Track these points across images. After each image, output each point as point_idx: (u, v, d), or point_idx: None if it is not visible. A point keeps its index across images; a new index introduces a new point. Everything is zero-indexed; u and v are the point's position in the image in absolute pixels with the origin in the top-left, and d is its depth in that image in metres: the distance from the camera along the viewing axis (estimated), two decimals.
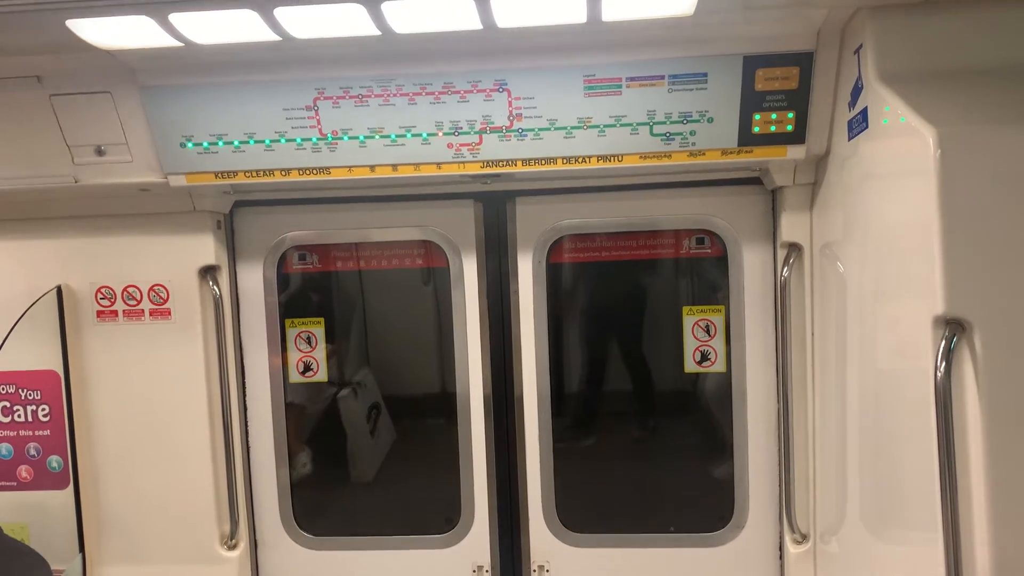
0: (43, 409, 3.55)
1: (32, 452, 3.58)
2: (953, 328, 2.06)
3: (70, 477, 3.56)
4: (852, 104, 2.67)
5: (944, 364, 2.05)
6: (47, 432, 3.57)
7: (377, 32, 2.56)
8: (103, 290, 3.53)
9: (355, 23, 2.49)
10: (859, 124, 2.61)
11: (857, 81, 2.61)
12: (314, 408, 3.94)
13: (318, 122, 2.99)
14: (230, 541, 3.62)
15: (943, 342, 2.06)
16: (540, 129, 2.97)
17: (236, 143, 3.05)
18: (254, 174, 3.11)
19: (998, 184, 2.07)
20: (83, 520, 3.58)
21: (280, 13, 2.41)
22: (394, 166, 3.07)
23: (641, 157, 2.99)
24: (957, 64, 2.42)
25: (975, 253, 2.06)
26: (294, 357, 3.75)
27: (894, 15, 2.46)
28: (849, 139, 2.73)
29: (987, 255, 2.06)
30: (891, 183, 2.42)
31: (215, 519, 3.59)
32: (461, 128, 2.98)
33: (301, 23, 2.50)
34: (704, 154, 2.96)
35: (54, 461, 3.57)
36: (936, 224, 2.06)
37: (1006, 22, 2.40)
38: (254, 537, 3.79)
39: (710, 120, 2.90)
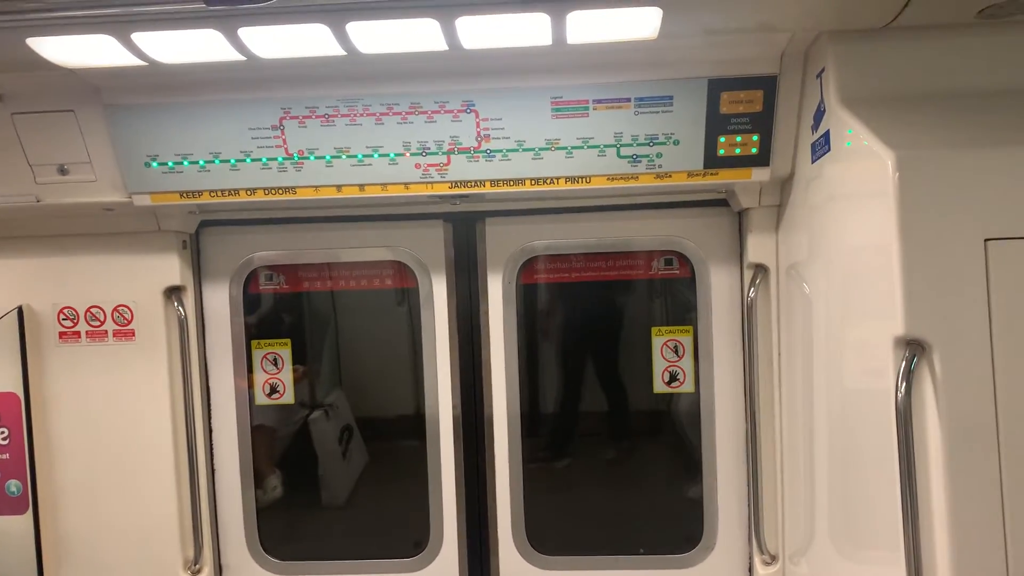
0: (2, 432, 3.47)
1: None
2: (913, 349, 2.08)
3: (29, 502, 3.48)
4: (815, 127, 2.71)
5: (904, 384, 2.07)
6: (6, 456, 3.49)
7: (343, 53, 2.55)
8: (65, 311, 3.48)
9: (321, 44, 2.48)
10: (822, 147, 2.64)
11: (820, 104, 2.64)
12: (282, 430, 3.89)
13: (284, 142, 2.98)
14: (194, 566, 3.55)
15: (903, 363, 2.08)
16: (508, 150, 2.97)
17: (201, 163, 3.03)
18: (219, 194, 3.09)
19: (956, 207, 2.11)
20: (42, 546, 3.50)
21: (244, 33, 2.39)
22: (361, 186, 3.06)
23: (609, 179, 3.00)
24: (917, 88, 2.46)
25: (934, 274, 2.08)
26: (260, 379, 3.71)
27: (856, 40, 2.50)
28: (813, 161, 2.76)
29: (946, 277, 2.09)
30: (853, 205, 2.44)
31: (179, 544, 3.52)
32: (429, 148, 2.98)
33: (266, 43, 2.49)
34: (670, 176, 2.98)
35: (13, 485, 3.49)
36: (895, 246, 2.09)
37: (965, 48, 2.45)
38: (219, 562, 3.72)
39: (676, 143, 2.92)
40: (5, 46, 2.47)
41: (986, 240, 2.08)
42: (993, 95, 2.40)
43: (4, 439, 3.48)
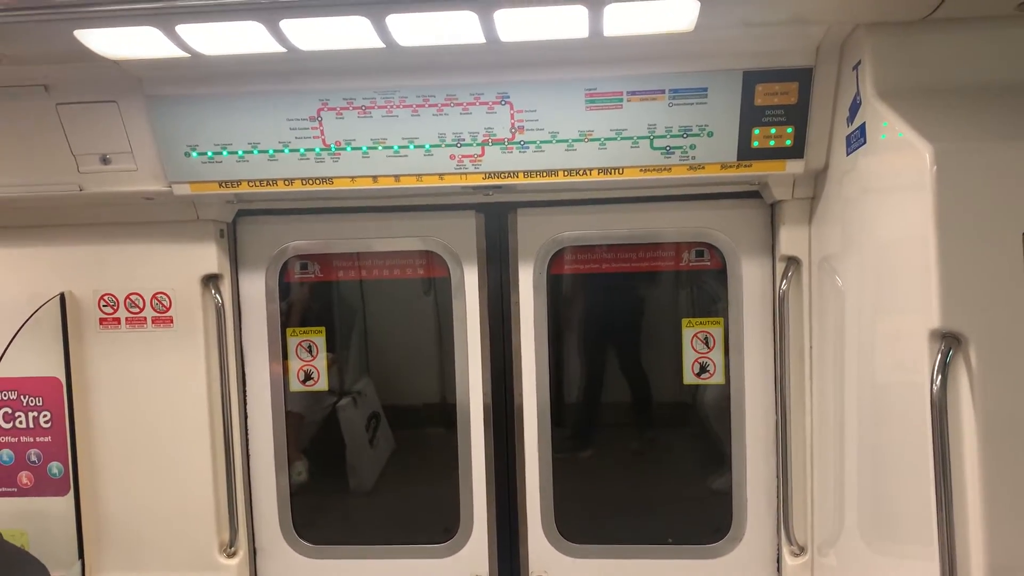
0: (44, 415, 3.56)
1: (33, 458, 3.59)
2: (949, 342, 2.08)
3: (70, 483, 3.57)
4: (850, 119, 2.70)
5: (940, 378, 2.07)
6: (48, 438, 3.58)
7: (381, 45, 2.58)
8: (106, 297, 3.55)
9: (360, 36, 2.51)
10: (857, 139, 2.64)
11: (855, 97, 2.63)
12: (314, 417, 3.95)
13: (321, 132, 3.02)
14: (229, 549, 3.63)
15: (939, 356, 2.08)
16: (542, 141, 2.99)
17: (240, 153, 3.08)
18: (258, 184, 3.14)
19: (994, 200, 2.10)
20: (83, 527, 3.59)
21: (286, 25, 2.43)
22: (396, 177, 3.09)
23: (642, 170, 3.01)
24: (954, 81, 2.45)
25: (971, 268, 2.08)
26: (295, 366, 3.77)
27: (892, 32, 2.49)
28: (847, 154, 2.76)
29: (982, 270, 2.08)
30: (888, 198, 2.44)
31: (214, 527, 3.60)
32: (463, 140, 3.01)
33: (306, 35, 2.52)
34: (704, 168, 2.99)
35: (55, 467, 3.58)
36: (932, 239, 2.09)
37: (1003, 40, 2.43)
38: (253, 545, 3.79)
39: (710, 134, 2.92)
40: (53, 38, 2.53)
41: None
42: None
43: (46, 422, 3.57)
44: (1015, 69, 2.43)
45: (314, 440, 3.99)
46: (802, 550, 3.37)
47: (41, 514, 3.60)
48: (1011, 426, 2.05)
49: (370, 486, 4.01)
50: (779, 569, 3.53)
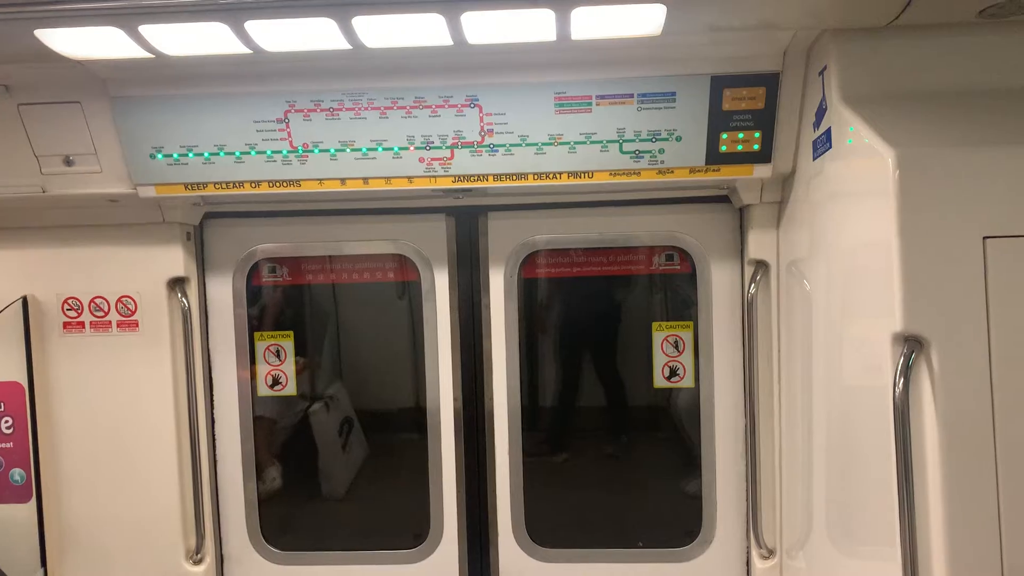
0: (6, 421, 3.50)
1: None
2: (911, 345, 2.10)
3: (33, 490, 3.51)
4: (817, 124, 2.72)
5: (902, 380, 2.09)
6: (10, 444, 3.51)
7: (348, 47, 2.57)
8: (70, 301, 3.50)
9: (326, 38, 2.50)
10: (823, 144, 2.66)
11: (821, 102, 2.65)
12: (285, 422, 3.92)
13: (289, 135, 3.00)
14: (196, 556, 3.58)
15: (901, 359, 2.10)
16: (511, 145, 2.99)
17: (206, 155, 3.05)
18: (224, 186, 3.11)
19: (956, 204, 2.12)
20: (45, 534, 3.53)
21: (251, 26, 2.41)
22: (365, 179, 3.07)
23: (611, 174, 3.02)
24: (918, 87, 2.47)
25: (933, 271, 2.10)
26: (263, 370, 3.73)
27: (858, 38, 2.52)
28: (814, 159, 2.78)
29: (944, 274, 2.10)
30: (853, 202, 2.46)
31: (181, 533, 3.55)
32: (432, 143, 3.00)
33: (272, 37, 2.50)
34: (672, 172, 3.00)
35: (16, 474, 3.52)
36: (895, 243, 2.11)
37: (966, 47, 2.46)
38: (220, 552, 3.75)
39: (678, 139, 2.94)
40: (13, 37, 2.49)
41: (985, 238, 2.10)
42: (993, 94, 2.41)
43: (8, 428, 3.50)
44: (977, 75, 2.46)
45: (285, 445, 3.95)
46: (771, 553, 3.39)
47: (2, 522, 3.53)
48: (971, 428, 2.07)
49: (342, 492, 3.98)
50: (748, 572, 3.55)
